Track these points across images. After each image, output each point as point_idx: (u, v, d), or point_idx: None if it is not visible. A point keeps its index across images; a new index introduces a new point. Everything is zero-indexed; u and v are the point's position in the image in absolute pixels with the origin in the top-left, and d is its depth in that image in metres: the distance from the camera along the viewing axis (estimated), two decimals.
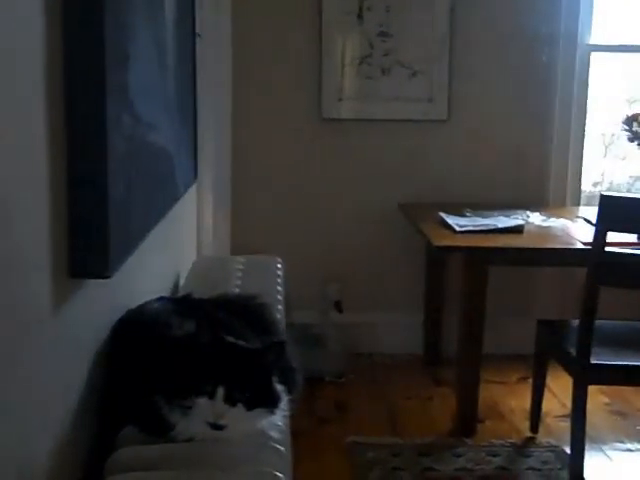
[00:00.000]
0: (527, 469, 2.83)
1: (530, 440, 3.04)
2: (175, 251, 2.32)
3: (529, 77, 3.76)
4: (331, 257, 3.79)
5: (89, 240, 1.17)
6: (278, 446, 1.33)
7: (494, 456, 2.91)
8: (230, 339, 1.38)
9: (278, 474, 1.24)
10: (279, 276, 2.25)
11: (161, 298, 1.70)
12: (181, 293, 1.87)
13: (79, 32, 1.11)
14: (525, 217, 3.38)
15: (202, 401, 1.30)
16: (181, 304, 1.68)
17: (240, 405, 1.31)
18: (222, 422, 1.30)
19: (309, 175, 3.78)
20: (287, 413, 1.41)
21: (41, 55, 1.09)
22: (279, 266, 2.36)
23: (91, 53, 1.11)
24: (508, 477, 2.78)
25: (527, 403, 3.17)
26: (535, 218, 3.38)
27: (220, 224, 3.16)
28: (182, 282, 2.26)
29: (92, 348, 1.42)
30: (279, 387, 1.38)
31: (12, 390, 1.02)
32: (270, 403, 1.36)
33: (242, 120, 3.63)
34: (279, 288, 2.13)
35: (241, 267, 2.27)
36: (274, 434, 1.36)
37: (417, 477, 2.76)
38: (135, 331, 1.52)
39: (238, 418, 1.31)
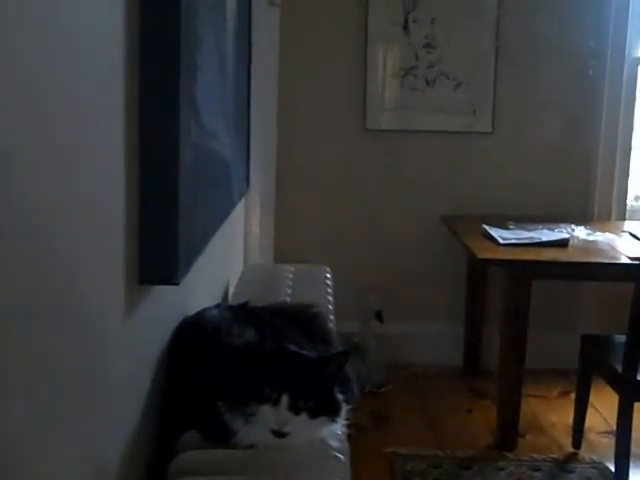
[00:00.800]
0: None
1: (572, 456, 3.01)
2: (225, 259, 2.34)
3: (575, 90, 3.74)
4: (373, 267, 3.79)
5: (160, 247, 1.19)
6: (339, 455, 1.34)
7: (536, 470, 2.89)
8: (293, 347, 1.40)
9: None
10: (329, 285, 2.26)
11: (218, 305, 1.73)
12: (235, 301, 1.89)
13: (156, 44, 1.13)
14: (570, 231, 3.36)
15: (266, 409, 1.31)
16: (239, 312, 1.70)
17: (303, 413, 1.33)
18: (286, 430, 1.31)
19: (352, 186, 3.79)
20: (346, 422, 1.42)
21: (121, 68, 1.12)
22: (328, 275, 2.37)
23: (167, 65, 1.14)
24: None
25: (568, 418, 3.15)
26: (580, 232, 3.36)
27: (265, 232, 3.19)
28: (231, 290, 2.28)
29: (156, 354, 1.44)
30: (340, 396, 1.39)
31: (88, 393, 1.05)
32: (332, 412, 1.37)
33: (286, 130, 3.65)
34: (330, 298, 2.14)
35: (290, 276, 2.29)
36: (334, 443, 1.37)
37: None
38: (196, 337, 1.54)
39: (301, 426, 1.33)
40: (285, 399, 1.31)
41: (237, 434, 1.33)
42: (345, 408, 1.40)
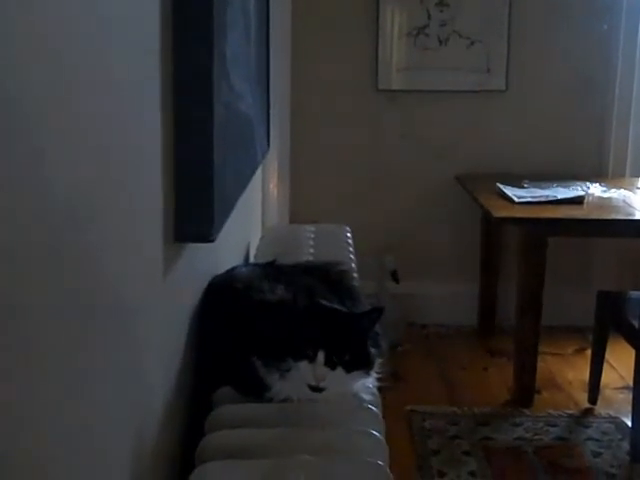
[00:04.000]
0: (586, 439, 2.84)
1: (589, 411, 3.04)
2: (245, 220, 2.35)
3: (590, 46, 3.71)
4: (388, 227, 3.80)
5: (196, 203, 1.20)
6: (372, 407, 1.36)
7: (552, 426, 2.92)
8: (327, 303, 1.41)
9: (374, 432, 1.27)
10: (350, 245, 2.27)
11: (247, 264, 1.74)
12: (264, 259, 1.90)
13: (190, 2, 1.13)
14: (585, 188, 3.36)
15: (303, 365, 1.33)
16: (268, 269, 1.71)
17: (339, 368, 1.34)
18: (322, 385, 1.33)
19: (365, 147, 3.79)
20: (378, 376, 1.44)
21: (156, 24, 1.12)
22: (349, 235, 2.38)
23: (200, 21, 1.14)
24: (567, 447, 2.80)
25: (584, 375, 3.18)
26: (595, 189, 3.36)
27: (281, 193, 3.19)
28: (252, 252, 2.29)
29: (191, 311, 1.46)
30: (372, 350, 1.41)
31: (127, 353, 1.06)
32: (366, 366, 1.39)
33: (299, 92, 3.64)
34: (352, 257, 2.15)
35: (312, 236, 2.30)
36: (367, 396, 1.39)
37: (476, 446, 2.79)
38: (228, 295, 1.55)
39: (337, 380, 1.34)
40: (321, 355, 1.33)
41: (272, 389, 1.35)
42: (377, 362, 1.42)
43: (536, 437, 2.84)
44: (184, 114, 1.17)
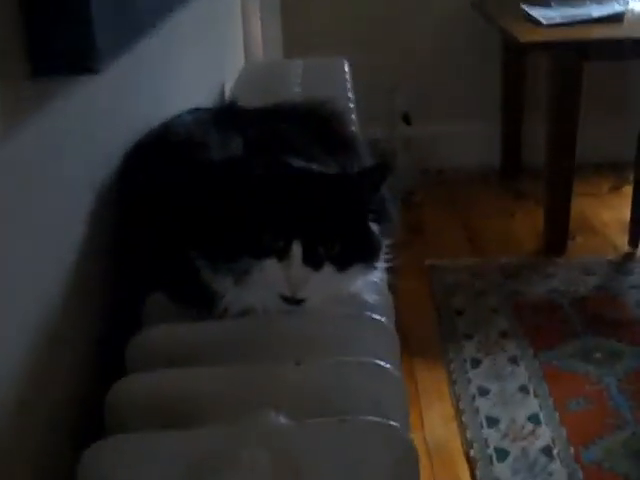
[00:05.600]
0: (630, 288, 2.54)
1: (630, 256, 2.73)
2: (217, 57, 1.94)
3: None
4: (397, 63, 3.36)
5: (60, 12, 0.74)
6: (378, 317, 0.93)
7: (589, 275, 2.62)
8: (302, 164, 0.96)
9: (386, 366, 0.86)
10: (347, 80, 1.85)
11: (196, 110, 1.27)
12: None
13: None
14: (623, 3, 2.91)
15: (269, 264, 0.89)
16: (223, 116, 1.23)
17: (327, 266, 0.90)
18: (301, 295, 0.90)
19: None
20: (386, 265, 0.99)
21: None
22: (346, 69, 1.95)
23: None
24: (607, 297, 2.50)
25: (623, 215, 2.85)
26: (636, 4, 2.91)
27: (270, 24, 2.75)
28: (228, 94, 1.88)
29: (89, 184, 1.02)
30: (375, 229, 0.97)
31: None
32: (368, 255, 0.95)
33: None
34: (350, 95, 1.73)
35: (299, 71, 1.88)
36: (371, 297, 0.96)
37: (504, 301, 2.50)
38: (159, 156, 1.08)
39: (323, 285, 0.91)
40: (297, 248, 0.88)
41: (223, 298, 0.92)
42: (384, 244, 0.98)
43: (572, 288, 2.54)
44: None
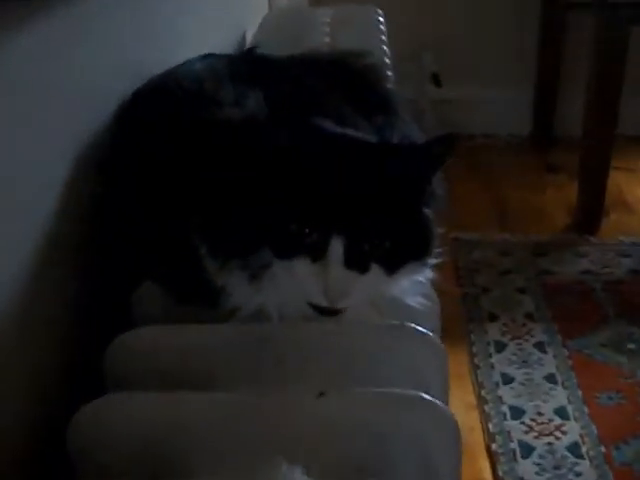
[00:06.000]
0: None
1: None
2: (239, 5, 1.77)
3: None
4: (428, 21, 3.17)
5: None
6: (426, 332, 0.74)
7: (625, 256, 2.45)
8: (345, 130, 0.75)
9: (438, 404, 0.67)
10: (382, 31, 1.66)
11: (208, 55, 1.06)
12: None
13: None
14: None
15: (300, 265, 0.69)
16: (241, 66, 1.02)
17: (375, 267, 0.71)
18: (342, 305, 0.71)
19: None
20: (436, 261, 0.82)
21: None
22: (380, 19, 1.75)
23: None
24: None
25: None
26: None
27: None
28: (248, 43, 1.70)
29: (70, 142, 0.84)
30: (429, 215, 0.79)
31: None
32: (422, 251, 0.77)
33: None
34: (385, 48, 1.54)
35: (328, 20, 1.69)
36: (415, 302, 0.78)
37: (533, 281, 2.34)
38: (158, 112, 0.88)
39: (369, 292, 0.72)
40: (337, 246, 0.69)
41: (230, 296, 0.73)
42: (438, 235, 0.81)
43: (605, 270, 2.37)
44: None
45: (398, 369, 0.70)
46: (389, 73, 1.29)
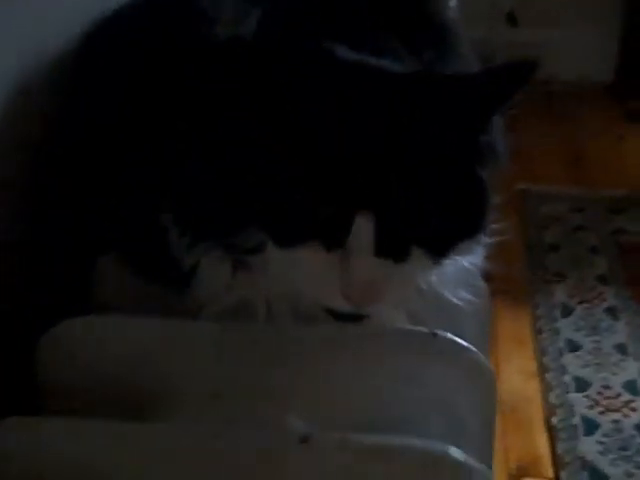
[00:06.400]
0: None
1: None
2: None
3: None
4: None
5: None
6: (467, 347, 0.56)
7: None
8: (371, 60, 0.55)
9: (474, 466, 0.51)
10: None
11: None
12: None
13: None
14: None
15: (308, 255, 0.51)
16: None
17: (416, 253, 0.53)
18: (371, 309, 0.54)
19: None
20: (488, 240, 0.65)
21: None
22: None
23: None
24: None
25: None
26: None
27: None
28: None
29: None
30: (485, 176, 0.61)
31: None
32: (474, 225, 0.60)
33: None
34: None
35: None
36: (459, 298, 0.59)
37: (606, 240, 2.18)
38: (131, 38, 0.68)
39: (405, 286, 0.55)
40: (366, 227, 0.50)
41: (203, 281, 0.57)
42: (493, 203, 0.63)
43: None
44: None
45: (424, 403, 0.52)
46: (450, 3, 1.12)
